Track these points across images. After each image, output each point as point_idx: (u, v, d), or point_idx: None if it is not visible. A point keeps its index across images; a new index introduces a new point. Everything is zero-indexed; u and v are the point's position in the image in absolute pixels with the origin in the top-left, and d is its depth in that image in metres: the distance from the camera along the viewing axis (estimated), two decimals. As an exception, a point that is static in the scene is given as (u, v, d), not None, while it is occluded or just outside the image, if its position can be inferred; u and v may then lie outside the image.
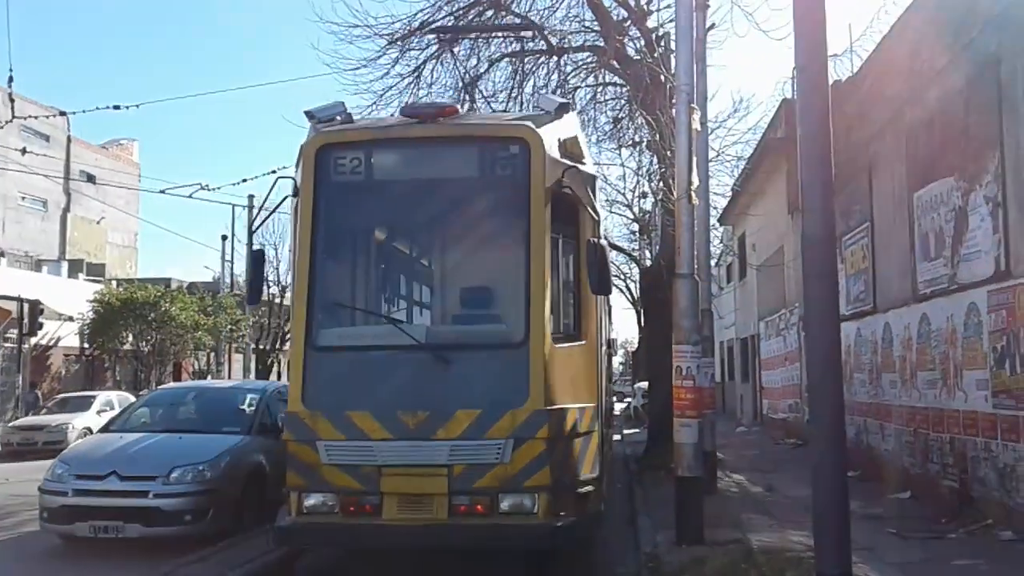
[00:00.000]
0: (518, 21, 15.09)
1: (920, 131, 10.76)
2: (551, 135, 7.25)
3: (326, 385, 6.84)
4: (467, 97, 15.30)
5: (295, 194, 7.32)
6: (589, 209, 7.65)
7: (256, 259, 8.78)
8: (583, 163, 7.84)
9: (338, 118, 7.49)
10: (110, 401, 21.48)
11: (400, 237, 8.24)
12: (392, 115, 8.87)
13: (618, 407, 27.42)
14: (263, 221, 8.80)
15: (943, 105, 10.01)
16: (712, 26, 13.00)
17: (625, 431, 24.23)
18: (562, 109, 7.73)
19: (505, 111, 11.41)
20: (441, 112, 7.52)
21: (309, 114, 7.52)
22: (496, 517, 6.57)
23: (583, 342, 7.35)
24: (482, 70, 15.42)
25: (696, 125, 8.71)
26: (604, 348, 9.65)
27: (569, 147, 7.55)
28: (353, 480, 6.63)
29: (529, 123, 7.25)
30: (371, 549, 7.64)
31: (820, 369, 5.25)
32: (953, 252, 9.65)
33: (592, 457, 7.37)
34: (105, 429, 10.66)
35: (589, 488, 7.12)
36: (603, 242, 7.44)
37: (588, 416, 7.31)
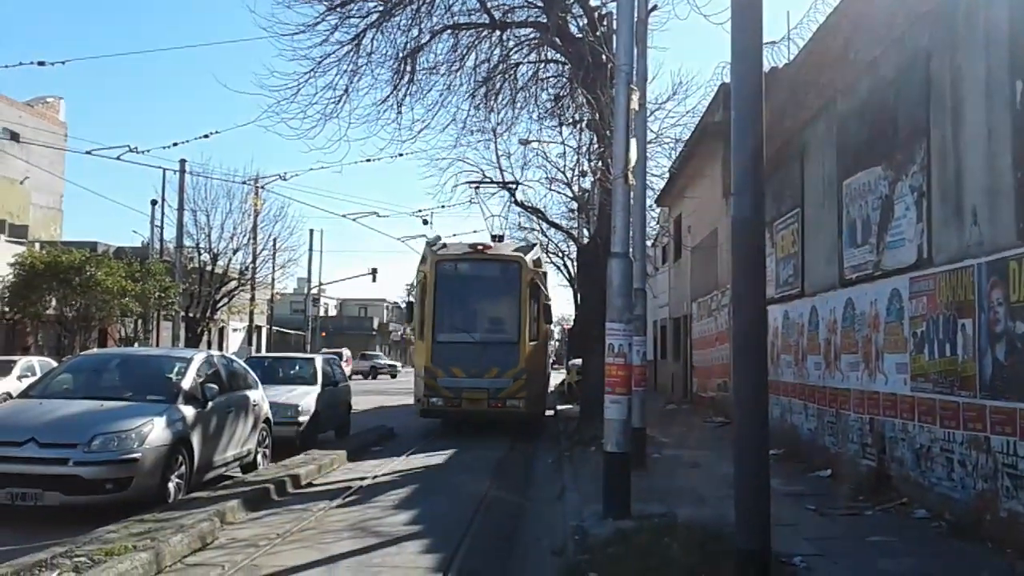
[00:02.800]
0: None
1: (851, 120, 10.99)
2: (529, 258, 18.27)
3: (440, 356, 17.34)
4: (407, 68, 15.12)
5: (423, 278, 18.16)
6: (544, 289, 19.04)
7: (409, 305, 19.01)
8: (541, 267, 19.71)
9: (439, 243, 18.70)
10: (32, 366, 20.84)
11: (468, 297, 18.38)
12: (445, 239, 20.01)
13: (556, 375, 36.44)
14: (414, 286, 21.64)
15: (874, 96, 10.22)
16: (654, 7, 13.09)
17: (559, 407, 24.33)
18: (534, 245, 20.11)
19: (504, 239, 20.76)
20: (486, 247, 18.57)
21: (428, 242, 18.77)
22: (506, 408, 17.17)
23: (539, 342, 18.46)
24: (423, 41, 15.25)
25: (635, 106, 8.76)
26: (548, 342, 21.97)
27: (536, 263, 18.63)
28: (450, 393, 17.18)
29: (521, 253, 18.41)
30: (456, 419, 18.16)
31: (744, 348, 5.36)
32: (879, 239, 9.92)
33: (543, 388, 20.61)
34: (25, 395, 10.33)
35: (541, 398, 19.73)
36: (549, 302, 19.03)
37: (541, 372, 19.40)
